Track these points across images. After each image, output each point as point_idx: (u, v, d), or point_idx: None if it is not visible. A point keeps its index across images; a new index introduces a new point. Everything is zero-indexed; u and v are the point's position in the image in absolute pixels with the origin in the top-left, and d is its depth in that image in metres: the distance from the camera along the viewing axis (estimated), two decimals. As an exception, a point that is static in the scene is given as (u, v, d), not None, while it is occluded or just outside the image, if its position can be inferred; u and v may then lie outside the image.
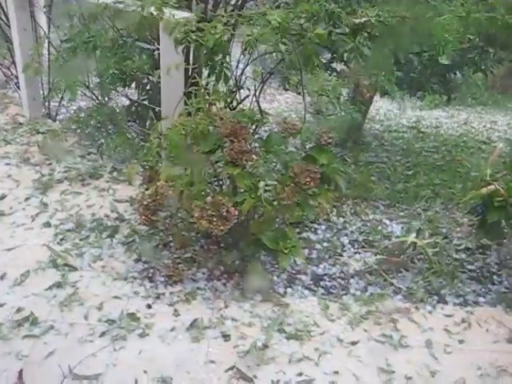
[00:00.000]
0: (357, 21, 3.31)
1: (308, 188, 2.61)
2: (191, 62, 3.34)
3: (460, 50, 3.94)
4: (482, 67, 4.56)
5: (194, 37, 2.88)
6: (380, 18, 3.10)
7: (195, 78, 3.02)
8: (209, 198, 2.50)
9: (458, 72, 4.58)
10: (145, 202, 2.70)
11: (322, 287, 2.88)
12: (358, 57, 3.20)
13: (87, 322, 2.54)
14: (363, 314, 2.70)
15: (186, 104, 3.01)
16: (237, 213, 2.48)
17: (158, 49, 3.36)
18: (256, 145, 2.80)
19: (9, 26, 4.78)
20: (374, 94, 5.04)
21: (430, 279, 2.97)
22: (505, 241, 3.34)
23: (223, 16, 2.98)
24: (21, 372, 2.27)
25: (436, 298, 2.86)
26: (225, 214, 2.44)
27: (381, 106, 7.02)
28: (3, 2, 4.90)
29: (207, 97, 2.81)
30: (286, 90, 4.41)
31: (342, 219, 3.54)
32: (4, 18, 5.04)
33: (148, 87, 3.70)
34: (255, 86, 3.97)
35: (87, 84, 3.97)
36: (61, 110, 4.91)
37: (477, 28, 3.40)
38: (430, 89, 4.79)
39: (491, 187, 2.93)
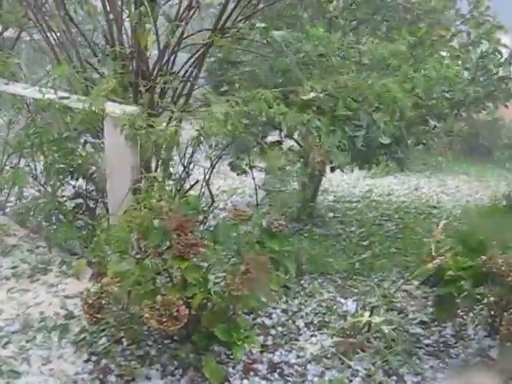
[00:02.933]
0: (305, 97, 3.44)
1: (258, 279, 2.60)
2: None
3: (404, 122, 4.10)
4: (423, 140, 4.74)
5: (143, 132, 2.94)
6: (327, 91, 3.21)
7: (142, 173, 3.06)
8: (159, 297, 2.46)
9: (400, 145, 4.72)
10: (90, 301, 2.65)
11: (279, 375, 2.82)
12: (310, 130, 3.31)
13: (33, 434, 2.41)
14: (321, 402, 2.64)
15: (133, 194, 3.02)
16: (187, 312, 2.44)
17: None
18: (204, 236, 2.79)
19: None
20: (324, 166, 5.15)
21: (387, 358, 2.95)
22: (459, 311, 3.38)
23: (172, 111, 3.06)
24: None
25: (395, 378, 2.83)
26: (175, 313, 2.40)
27: (332, 177, 7.15)
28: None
29: (153, 192, 2.82)
30: (238, 174, 4.49)
31: (296, 301, 3.53)
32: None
33: (95, 179, 3.69)
34: (204, 169, 4.04)
35: (34, 175, 3.94)
36: (8, 204, 4.82)
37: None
38: (376, 160, 4.92)
39: (437, 261, 2.99)
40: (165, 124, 3.16)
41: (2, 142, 4.27)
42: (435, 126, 4.63)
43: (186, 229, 2.60)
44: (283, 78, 4.05)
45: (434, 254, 3.02)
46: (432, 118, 4.59)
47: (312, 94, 3.42)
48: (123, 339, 2.97)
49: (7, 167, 4.11)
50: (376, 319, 3.09)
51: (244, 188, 6.34)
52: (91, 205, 3.64)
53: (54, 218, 3.80)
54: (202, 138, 3.17)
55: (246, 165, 4.35)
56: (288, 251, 3.03)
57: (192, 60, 3.90)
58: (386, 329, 3.12)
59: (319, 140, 3.13)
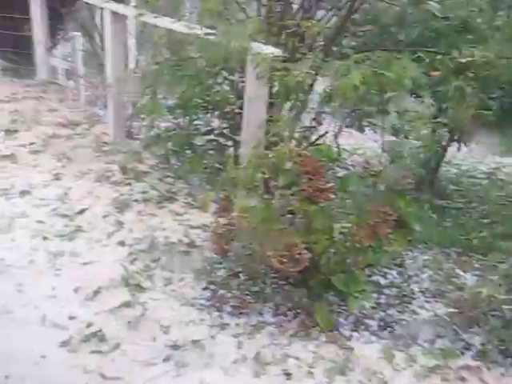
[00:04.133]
0: (463, 60, 3.30)
1: (385, 235, 2.57)
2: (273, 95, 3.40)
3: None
4: None
5: (278, 75, 2.95)
6: (486, 58, 3.07)
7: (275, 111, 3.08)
8: (283, 238, 2.50)
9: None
10: (219, 231, 2.74)
11: (389, 334, 2.80)
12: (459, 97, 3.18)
13: (153, 344, 2.58)
14: (430, 367, 2.59)
15: (266, 135, 3.06)
16: (309, 256, 2.47)
17: (243, 80, 3.44)
18: (333, 184, 2.79)
19: (102, 49, 5.04)
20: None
21: (504, 338, 2.83)
22: None
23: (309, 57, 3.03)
24: (86, 388, 2.33)
25: (510, 360, 2.71)
26: (297, 256, 2.44)
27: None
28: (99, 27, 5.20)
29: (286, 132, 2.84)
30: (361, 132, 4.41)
31: (413, 265, 3.45)
32: (99, 41, 5.34)
33: (229, 116, 3.77)
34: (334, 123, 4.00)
35: (170, 108, 4.09)
36: (141, 131, 5.09)
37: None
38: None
39: None
40: (302, 69, 3.14)
41: (142, 73, 4.45)
42: None
43: (318, 173, 2.60)
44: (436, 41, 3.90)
45: None
46: None
47: (469, 58, 3.28)
48: (240, 274, 3.07)
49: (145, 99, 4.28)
50: (497, 296, 2.97)
51: (365, 149, 6.23)
52: (222, 142, 3.73)
53: (185, 151, 3.94)
54: (333, 96, 3.14)
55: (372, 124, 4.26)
56: (413, 213, 2.96)
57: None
58: (505, 308, 3.00)
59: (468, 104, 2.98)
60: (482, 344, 2.79)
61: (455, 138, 4.52)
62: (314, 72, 3.13)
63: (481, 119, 3.09)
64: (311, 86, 3.50)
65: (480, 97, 3.12)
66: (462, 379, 2.55)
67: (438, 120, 3.86)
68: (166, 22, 3.95)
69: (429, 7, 3.56)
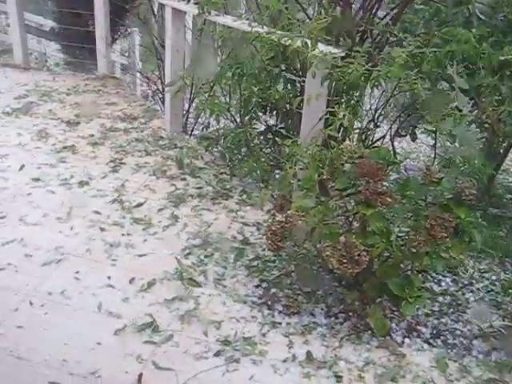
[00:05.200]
0: (502, 57, 3.21)
1: (441, 239, 2.53)
2: (332, 94, 3.38)
3: None
4: None
5: (337, 73, 2.94)
6: None
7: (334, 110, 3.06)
8: (342, 239, 2.49)
9: None
10: (273, 228, 2.74)
11: (443, 343, 2.75)
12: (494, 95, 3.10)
13: (204, 338, 2.61)
14: (485, 380, 2.54)
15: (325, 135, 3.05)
16: (368, 258, 2.45)
17: (303, 80, 3.44)
18: (391, 187, 2.76)
19: (162, 46, 5.12)
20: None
21: (563, 356, 2.74)
22: None
23: (362, 56, 3.01)
24: (140, 376, 2.38)
25: None
26: (357, 257, 2.42)
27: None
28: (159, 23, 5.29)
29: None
30: (413, 140, 4.35)
31: (468, 274, 3.38)
32: (158, 37, 5.43)
33: (287, 116, 3.77)
34: (390, 125, 3.96)
35: (228, 106, 4.12)
36: (197, 127, 5.16)
37: None
38: None
39: None
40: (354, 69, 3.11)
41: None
42: None
43: (376, 176, 2.57)
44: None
45: None
46: None
47: (510, 56, 3.18)
48: (293, 273, 3.07)
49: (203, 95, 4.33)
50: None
51: (419, 153, 6.14)
52: (278, 141, 3.73)
53: (241, 148, 3.97)
54: (381, 80, 3.09)
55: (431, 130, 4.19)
56: (473, 222, 2.90)
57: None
58: None
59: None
60: (540, 359, 2.71)
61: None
62: (371, 64, 3.11)
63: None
64: (366, 81, 3.46)
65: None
66: (518, 394, 2.49)
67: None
68: (227, 20, 3.98)
69: (475, 8, 3.49)
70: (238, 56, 3.77)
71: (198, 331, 2.66)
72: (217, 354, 2.53)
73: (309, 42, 3.07)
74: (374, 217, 2.57)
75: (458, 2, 3.71)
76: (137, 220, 3.50)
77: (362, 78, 3.04)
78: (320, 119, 3.10)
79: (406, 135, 4.75)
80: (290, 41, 3.16)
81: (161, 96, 5.60)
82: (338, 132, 3.11)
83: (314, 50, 2.99)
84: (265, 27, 3.53)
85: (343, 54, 3.12)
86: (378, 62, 3.22)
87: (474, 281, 3.33)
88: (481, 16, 3.64)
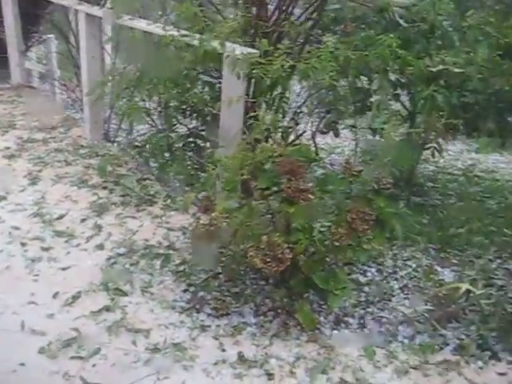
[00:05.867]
0: (434, 69, 3.31)
1: (362, 231, 2.59)
2: (250, 95, 3.40)
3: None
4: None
5: (256, 71, 2.95)
6: (457, 65, 3.09)
7: (254, 111, 3.08)
8: (264, 238, 2.51)
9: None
10: (199, 232, 2.73)
11: (370, 332, 2.83)
12: (430, 105, 3.20)
13: (133, 348, 2.57)
14: (411, 363, 2.62)
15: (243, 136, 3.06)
16: (291, 255, 2.47)
17: (220, 82, 3.44)
18: (312, 184, 2.80)
19: (78, 52, 5.00)
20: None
21: (482, 333, 2.87)
22: None
23: (284, 53, 3.04)
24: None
25: (488, 353, 2.75)
26: (280, 255, 2.44)
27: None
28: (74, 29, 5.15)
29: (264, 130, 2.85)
30: (336, 135, 4.45)
31: (392, 263, 3.49)
32: (74, 43, 5.29)
33: (208, 118, 3.77)
34: (311, 122, 4.03)
35: (147, 111, 4.07)
36: (119, 134, 5.07)
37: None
38: (486, 129, 4.71)
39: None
40: (279, 65, 3.14)
41: (119, 77, 4.42)
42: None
43: (298, 174, 2.61)
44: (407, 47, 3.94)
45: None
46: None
47: (441, 67, 3.30)
48: (220, 275, 3.07)
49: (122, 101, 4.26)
50: (475, 291, 3.01)
51: (343, 148, 6.27)
52: (201, 144, 3.72)
53: (164, 153, 3.92)
54: (310, 72, 3.13)
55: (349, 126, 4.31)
56: (393, 212, 2.99)
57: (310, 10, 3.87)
58: (483, 302, 3.04)
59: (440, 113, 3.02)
60: (461, 339, 2.83)
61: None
62: (292, 62, 3.14)
63: (451, 127, 3.13)
64: (289, 77, 3.50)
65: (451, 104, 3.15)
66: (441, 374, 2.58)
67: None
68: (142, 24, 3.93)
69: (395, 15, 3.59)
70: (155, 60, 3.73)
71: (126, 341, 2.61)
72: (147, 363, 2.49)
73: (225, 44, 3.07)
74: (297, 214, 2.60)
75: (379, 9, 3.80)
76: (58, 232, 3.40)
77: (285, 74, 3.06)
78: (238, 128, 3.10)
79: (328, 132, 4.86)
80: (204, 43, 3.16)
81: (80, 104, 5.47)
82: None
83: (224, 51, 2.99)
84: (181, 30, 3.52)
85: (258, 55, 3.14)
86: (302, 59, 3.26)
87: (397, 269, 3.44)
88: (401, 22, 3.73)
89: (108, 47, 5.28)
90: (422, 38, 3.76)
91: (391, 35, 3.18)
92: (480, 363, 2.67)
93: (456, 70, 3.21)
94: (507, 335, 2.88)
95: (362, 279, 3.25)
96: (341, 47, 3.12)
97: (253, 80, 3.26)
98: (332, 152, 6.10)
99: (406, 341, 2.79)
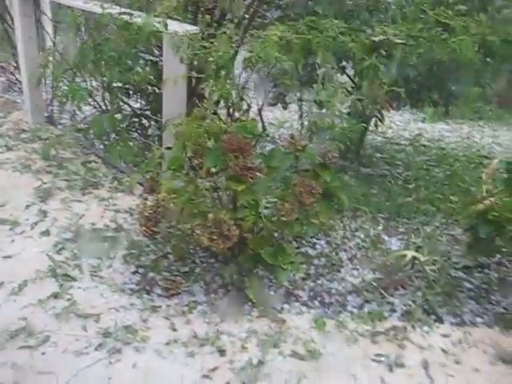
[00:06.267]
0: (376, 39, 3.34)
1: (309, 205, 2.62)
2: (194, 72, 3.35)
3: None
4: (481, 81, 4.59)
5: (200, 54, 2.91)
6: (398, 36, 3.12)
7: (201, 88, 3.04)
8: (210, 216, 2.50)
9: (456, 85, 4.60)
10: (146, 213, 2.71)
11: (320, 303, 2.88)
12: (373, 74, 3.23)
13: (84, 333, 2.54)
14: (360, 331, 2.69)
15: (187, 115, 3.03)
16: (238, 232, 2.48)
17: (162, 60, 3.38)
18: (259, 160, 2.80)
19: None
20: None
21: (427, 298, 2.96)
22: (503, 260, 3.35)
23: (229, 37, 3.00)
24: (16, 384, 2.27)
25: (433, 317, 2.85)
26: (226, 232, 2.44)
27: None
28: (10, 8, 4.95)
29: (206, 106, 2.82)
30: (285, 108, 4.45)
31: (341, 234, 3.54)
32: (11, 24, 5.09)
33: (151, 97, 3.71)
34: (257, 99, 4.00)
35: (90, 92, 3.98)
36: (63, 116, 4.94)
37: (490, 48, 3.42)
38: (429, 99, 4.81)
39: (487, 203, 2.94)
40: (223, 44, 3.11)
41: (59, 57, 4.30)
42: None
43: (245, 152, 2.60)
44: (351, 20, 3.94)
45: (484, 194, 2.97)
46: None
47: (382, 37, 3.32)
48: (170, 255, 3.06)
49: (64, 82, 4.15)
50: (420, 258, 3.09)
51: (292, 122, 6.28)
52: (145, 123, 3.67)
53: (109, 134, 3.85)
54: (254, 60, 3.12)
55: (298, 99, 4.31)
56: (339, 185, 3.03)
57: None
58: (428, 269, 3.14)
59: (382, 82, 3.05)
60: (408, 305, 2.91)
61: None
62: (235, 45, 3.11)
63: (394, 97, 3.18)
64: (233, 59, 3.48)
65: (393, 74, 3.20)
66: (390, 340, 2.66)
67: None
68: (79, 3, 3.81)
69: None
70: (93, 40, 3.64)
71: (76, 327, 2.58)
72: (98, 348, 2.47)
73: (167, 23, 3.01)
74: (244, 191, 2.60)
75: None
76: (2, 220, 3.31)
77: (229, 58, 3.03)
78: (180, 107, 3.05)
79: (276, 104, 4.86)
80: (145, 22, 3.09)
81: (20, 86, 5.28)
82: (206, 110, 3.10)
83: (166, 28, 2.93)
84: (120, 8, 3.43)
85: (198, 31, 3.09)
86: (248, 43, 3.22)
87: (346, 240, 3.50)
88: None
89: (48, 27, 5.13)
90: (365, 11, 3.80)
91: (335, 20, 3.19)
92: (426, 327, 2.77)
93: (397, 40, 3.24)
94: (450, 299, 2.99)
95: (312, 252, 3.30)
96: (285, 31, 3.10)
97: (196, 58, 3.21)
98: (281, 126, 6.12)
99: (355, 310, 2.85)
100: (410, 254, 3.11)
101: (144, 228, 2.74)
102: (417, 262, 3.12)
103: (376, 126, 4.16)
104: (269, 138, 5.30)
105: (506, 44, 3.21)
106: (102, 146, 4.04)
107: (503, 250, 3.12)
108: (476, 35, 3.24)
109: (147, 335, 2.56)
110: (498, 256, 3.35)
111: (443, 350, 2.63)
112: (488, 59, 4.13)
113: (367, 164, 5.14)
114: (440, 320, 2.84)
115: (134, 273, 2.95)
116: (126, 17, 3.31)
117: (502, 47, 3.22)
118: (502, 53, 3.28)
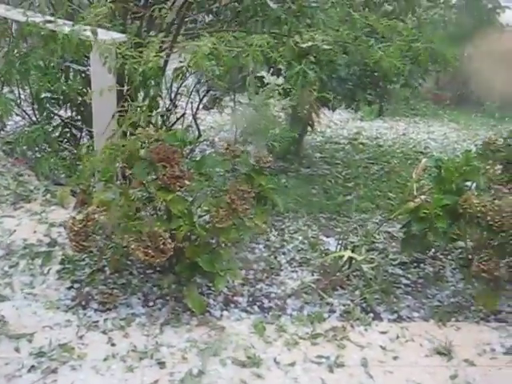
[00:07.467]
0: (304, 45, 3.37)
1: (243, 211, 2.62)
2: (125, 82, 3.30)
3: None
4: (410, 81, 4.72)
5: (128, 64, 2.86)
6: (325, 42, 3.17)
7: (127, 100, 3.00)
8: (145, 230, 2.47)
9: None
10: (75, 228, 2.64)
11: (259, 308, 2.88)
12: (303, 80, 3.27)
13: (16, 355, 2.45)
14: (300, 334, 2.71)
15: (119, 125, 2.98)
16: (173, 244, 2.46)
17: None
18: (190, 168, 2.78)
19: None
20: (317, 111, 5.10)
21: (365, 296, 3.01)
22: (438, 254, 3.45)
23: (161, 42, 2.96)
24: None
25: (372, 315, 2.89)
26: (161, 246, 2.41)
27: (322, 118, 7.09)
28: None
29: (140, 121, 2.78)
30: (220, 112, 4.46)
31: (279, 237, 3.56)
32: None
33: (81, 108, 3.63)
34: (191, 104, 3.99)
35: (18, 103, 3.87)
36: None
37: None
38: (364, 99, 4.90)
39: (418, 200, 3.02)
40: (151, 54, 3.08)
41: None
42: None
43: (172, 160, 2.58)
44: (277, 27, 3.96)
45: (415, 193, 3.04)
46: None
47: (310, 43, 3.36)
48: (106, 268, 3.00)
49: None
50: (357, 257, 3.14)
51: (233, 125, 6.27)
52: (76, 134, 3.59)
53: (39, 147, 3.75)
54: (184, 70, 3.10)
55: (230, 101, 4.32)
56: (274, 188, 3.05)
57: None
58: (365, 267, 3.19)
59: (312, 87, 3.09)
60: (346, 305, 2.95)
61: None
62: (165, 54, 3.09)
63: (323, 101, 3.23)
64: (164, 68, 3.46)
65: (322, 79, 3.25)
66: (329, 341, 2.68)
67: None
68: (0, 10, 3.69)
69: None
70: (18, 50, 3.53)
71: (8, 350, 2.48)
72: (32, 369, 2.38)
73: (95, 30, 2.94)
74: (174, 201, 2.58)
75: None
76: None
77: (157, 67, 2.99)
78: (113, 116, 3.00)
79: (212, 108, 4.85)
80: (67, 29, 3.01)
81: None
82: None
83: (93, 38, 2.87)
84: (46, 16, 3.33)
85: (125, 39, 3.04)
86: (177, 53, 3.18)
87: (285, 243, 3.51)
88: (270, 4, 3.73)
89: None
90: (292, 18, 3.81)
91: (265, 35, 3.20)
92: (364, 326, 2.81)
93: (325, 46, 3.29)
94: (388, 295, 3.05)
95: (251, 257, 3.30)
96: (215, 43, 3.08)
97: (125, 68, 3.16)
98: (221, 130, 6.10)
99: (294, 313, 2.87)
100: (346, 254, 3.15)
101: (74, 243, 2.67)
102: (354, 261, 3.16)
103: (312, 127, 4.20)
104: (208, 143, 5.31)
105: (431, 50, 3.32)
106: (33, 158, 3.92)
107: (437, 244, 3.21)
108: (403, 41, 3.33)
109: (84, 352, 2.49)
110: (433, 250, 3.44)
111: (382, 347, 2.68)
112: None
113: (307, 164, 5.19)
114: (378, 317, 2.89)
115: (69, 288, 2.88)
116: (50, 25, 3.22)
117: (427, 53, 3.33)
118: (426, 58, 3.39)
